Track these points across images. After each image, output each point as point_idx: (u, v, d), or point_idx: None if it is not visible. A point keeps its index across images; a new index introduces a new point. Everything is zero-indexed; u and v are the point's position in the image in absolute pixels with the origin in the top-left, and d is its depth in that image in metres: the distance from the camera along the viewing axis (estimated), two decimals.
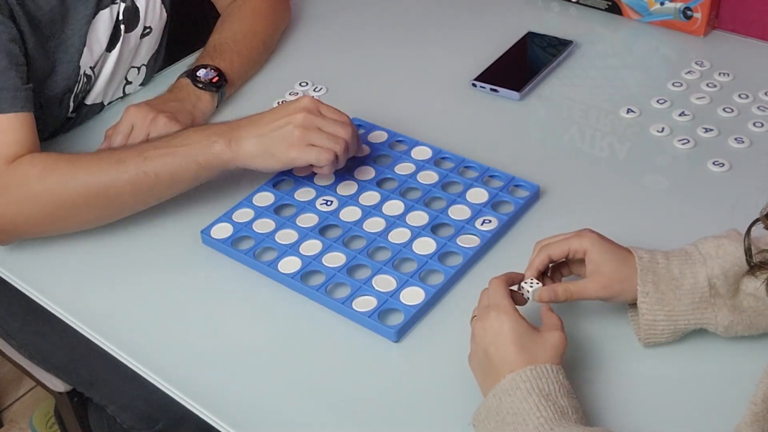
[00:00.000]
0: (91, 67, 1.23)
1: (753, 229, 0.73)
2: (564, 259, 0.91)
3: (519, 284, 0.89)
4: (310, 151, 1.05)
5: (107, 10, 1.22)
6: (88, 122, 1.31)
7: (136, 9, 1.27)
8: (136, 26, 1.28)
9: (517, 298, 0.88)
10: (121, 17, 1.24)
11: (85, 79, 1.23)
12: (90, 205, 1.06)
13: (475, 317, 0.87)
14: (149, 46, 1.33)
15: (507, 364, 0.80)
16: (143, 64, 1.35)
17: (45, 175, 1.05)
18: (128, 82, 1.34)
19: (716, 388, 0.86)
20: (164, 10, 1.33)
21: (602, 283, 0.87)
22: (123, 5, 1.24)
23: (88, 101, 1.28)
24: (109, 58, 1.26)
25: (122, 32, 1.25)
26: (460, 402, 0.85)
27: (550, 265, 0.91)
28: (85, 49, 1.20)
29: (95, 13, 1.20)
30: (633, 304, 0.89)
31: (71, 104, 1.24)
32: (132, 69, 1.33)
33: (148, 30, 1.31)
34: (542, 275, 0.90)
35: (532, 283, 0.89)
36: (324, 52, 1.45)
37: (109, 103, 1.33)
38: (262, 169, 1.08)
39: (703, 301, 0.85)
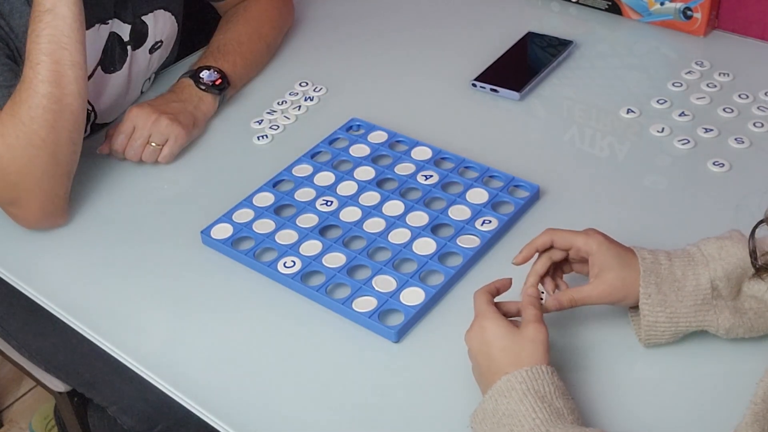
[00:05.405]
0: None
1: (756, 230, 0.73)
2: (565, 258, 0.91)
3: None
4: None
5: (90, 30, 1.15)
6: None
7: (145, 27, 1.26)
8: (144, 43, 1.27)
9: None
10: (127, 39, 1.23)
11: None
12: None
13: None
14: (160, 56, 1.33)
15: (495, 367, 0.81)
16: (154, 73, 1.35)
17: None
18: (142, 93, 1.35)
19: (716, 389, 0.86)
20: (176, 23, 1.33)
21: (606, 290, 0.87)
22: (129, 27, 1.23)
23: (100, 121, 1.27)
24: (111, 79, 1.24)
25: (129, 51, 1.24)
26: (459, 402, 0.85)
27: (552, 264, 0.91)
28: None
29: None
30: (634, 305, 0.89)
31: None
32: (146, 82, 1.34)
33: (158, 44, 1.30)
34: (544, 276, 0.90)
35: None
36: (324, 53, 1.45)
37: None
38: None
39: (705, 303, 0.85)
